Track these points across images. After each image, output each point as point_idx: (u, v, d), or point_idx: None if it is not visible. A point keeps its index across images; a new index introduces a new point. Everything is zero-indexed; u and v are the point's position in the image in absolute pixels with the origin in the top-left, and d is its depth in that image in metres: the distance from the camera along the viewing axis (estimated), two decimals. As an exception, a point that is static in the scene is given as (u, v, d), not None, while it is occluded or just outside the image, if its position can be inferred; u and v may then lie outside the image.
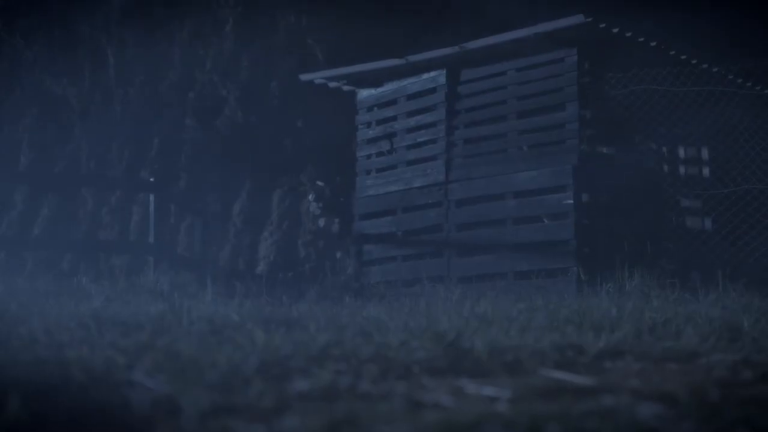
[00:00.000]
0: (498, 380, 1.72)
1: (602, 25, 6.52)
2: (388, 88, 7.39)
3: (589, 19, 6.43)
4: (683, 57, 7.20)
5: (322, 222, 7.93)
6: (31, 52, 8.81)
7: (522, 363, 1.90)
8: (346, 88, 7.47)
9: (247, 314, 3.05)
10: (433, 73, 7.04)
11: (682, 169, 8.13)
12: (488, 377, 1.82)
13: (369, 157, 7.38)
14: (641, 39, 6.84)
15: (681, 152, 8.10)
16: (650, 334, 2.77)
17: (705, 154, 8.17)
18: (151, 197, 7.17)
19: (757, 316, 3.05)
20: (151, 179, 7.42)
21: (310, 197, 8.09)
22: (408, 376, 1.79)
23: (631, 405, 1.34)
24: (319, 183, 8.06)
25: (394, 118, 7.30)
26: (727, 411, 1.28)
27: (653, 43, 6.90)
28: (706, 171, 8.20)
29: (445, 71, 6.99)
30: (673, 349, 2.45)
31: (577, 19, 6.45)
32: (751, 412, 1.28)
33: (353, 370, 1.75)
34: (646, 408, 1.27)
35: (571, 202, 6.51)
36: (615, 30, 6.63)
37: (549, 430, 1.13)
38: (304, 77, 7.46)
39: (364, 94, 7.46)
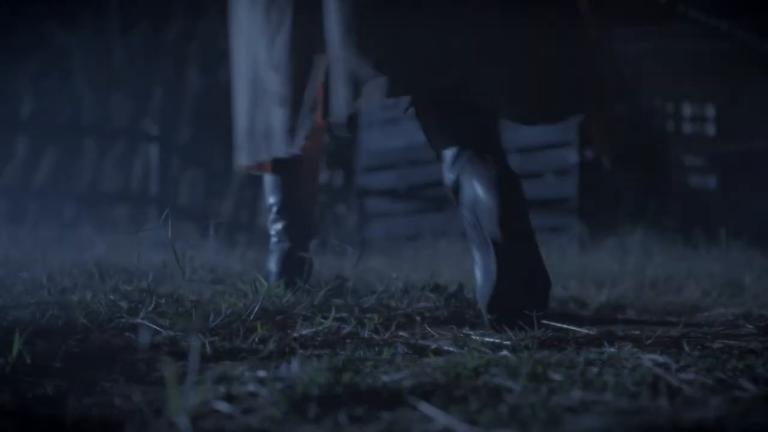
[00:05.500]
0: (500, 330, 1.73)
1: (610, -20, 6.44)
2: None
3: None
4: (692, 13, 7.12)
5: (325, 175, 7.92)
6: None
7: (524, 314, 1.90)
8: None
9: (249, 264, 3.06)
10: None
11: (687, 127, 8.11)
12: (490, 328, 1.82)
13: (373, 110, 7.34)
14: (649, -6, 6.77)
15: (686, 110, 8.06)
16: (652, 289, 2.78)
17: (710, 112, 8.14)
18: (154, 148, 7.16)
19: (758, 272, 3.06)
20: (154, 130, 7.40)
21: (313, 150, 8.05)
22: (410, 325, 1.80)
23: (633, 354, 1.34)
24: (322, 136, 8.02)
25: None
26: (729, 361, 1.28)
27: (662, 0, 6.83)
28: (711, 129, 8.17)
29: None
30: (674, 303, 2.46)
31: (584, -28, 6.37)
32: (752, 362, 1.28)
33: (356, 319, 1.75)
34: (649, 357, 1.27)
35: (575, 158, 6.49)
36: (623, -15, 6.56)
37: (552, 376, 1.13)
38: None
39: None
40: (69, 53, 8.61)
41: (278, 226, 2.39)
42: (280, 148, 2.13)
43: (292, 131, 2.09)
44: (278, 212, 2.39)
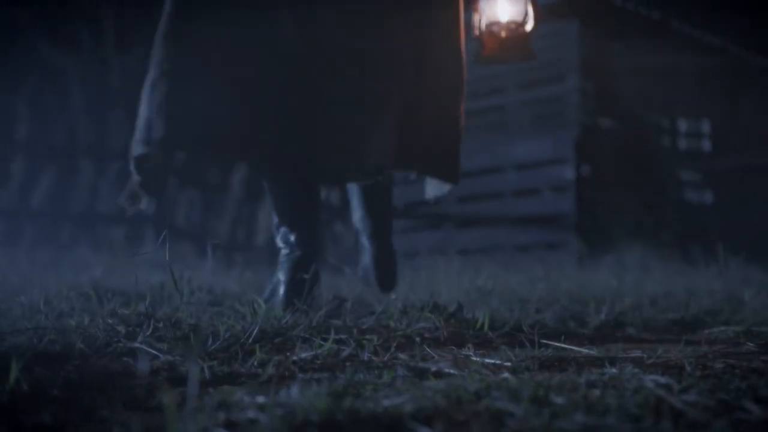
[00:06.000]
0: (500, 351, 1.72)
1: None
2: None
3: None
4: (686, 29, 7.15)
5: (322, 193, 7.92)
6: (27, 19, 8.75)
7: (524, 334, 1.89)
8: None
9: (247, 285, 3.05)
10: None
11: (682, 142, 8.13)
12: (490, 348, 1.81)
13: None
14: (643, 11, 6.80)
15: (682, 125, 8.08)
16: (651, 306, 2.77)
17: (706, 127, 8.16)
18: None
19: (757, 289, 3.05)
20: (150, 150, 7.37)
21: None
22: (410, 347, 1.79)
23: (635, 375, 1.33)
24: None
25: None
26: (731, 382, 1.28)
27: (656, 16, 6.86)
28: (706, 144, 8.19)
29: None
30: (674, 320, 2.45)
31: (579, -10, 6.40)
32: (755, 383, 1.28)
33: (355, 340, 1.74)
34: (651, 378, 1.26)
35: (572, 174, 6.50)
36: (617, 2, 6.59)
37: (554, 399, 1.12)
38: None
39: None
40: (65, 74, 8.61)
41: (291, 237, 2.40)
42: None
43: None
44: (290, 225, 2.41)
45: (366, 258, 2.73)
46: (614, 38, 6.99)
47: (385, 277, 2.71)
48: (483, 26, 2.48)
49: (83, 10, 8.72)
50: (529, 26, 2.44)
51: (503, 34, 2.44)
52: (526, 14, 2.43)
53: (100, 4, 8.66)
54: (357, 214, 2.74)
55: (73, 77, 8.55)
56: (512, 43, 2.44)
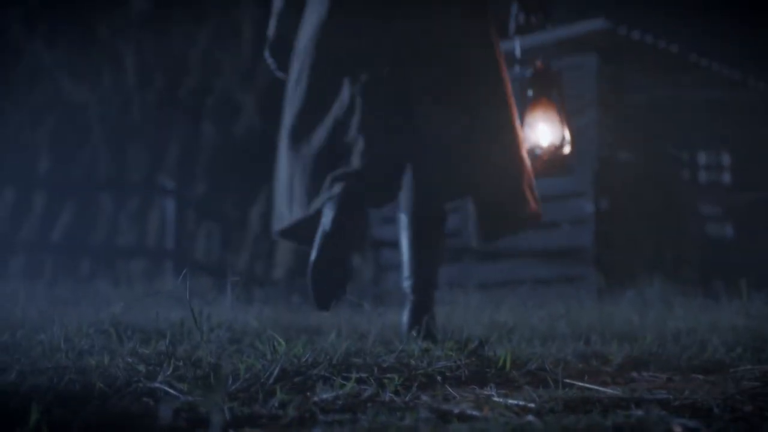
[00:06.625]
0: (523, 391, 1.70)
1: (622, 33, 6.48)
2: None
3: (609, 25, 6.38)
4: (704, 63, 7.14)
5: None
6: (50, 57, 8.87)
7: (546, 372, 1.87)
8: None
9: (266, 321, 3.04)
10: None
11: (702, 176, 8.09)
12: (513, 388, 1.79)
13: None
14: (662, 45, 6.79)
15: (702, 158, 8.04)
16: (674, 343, 2.73)
17: (726, 160, 8.11)
18: (170, 203, 7.19)
19: (782, 326, 3.01)
20: (170, 184, 7.44)
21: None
22: (431, 386, 1.77)
23: (663, 418, 1.31)
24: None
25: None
26: (762, 426, 1.25)
27: (674, 50, 6.85)
28: (726, 177, 8.14)
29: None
30: (698, 358, 2.42)
31: (596, 24, 6.40)
32: (786, 426, 1.25)
33: (375, 380, 1.72)
34: (678, 421, 1.23)
35: (591, 208, 6.46)
36: (635, 36, 6.60)
37: (581, 444, 1.10)
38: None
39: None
40: (85, 108, 8.70)
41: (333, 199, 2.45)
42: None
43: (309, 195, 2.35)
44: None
45: (406, 312, 2.74)
46: (633, 72, 6.99)
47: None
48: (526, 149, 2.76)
49: (104, 46, 8.84)
50: (566, 150, 2.76)
51: (544, 156, 2.77)
52: (563, 139, 2.75)
53: (120, 40, 8.78)
54: (405, 269, 2.78)
55: (92, 112, 8.65)
56: (552, 162, 2.79)
